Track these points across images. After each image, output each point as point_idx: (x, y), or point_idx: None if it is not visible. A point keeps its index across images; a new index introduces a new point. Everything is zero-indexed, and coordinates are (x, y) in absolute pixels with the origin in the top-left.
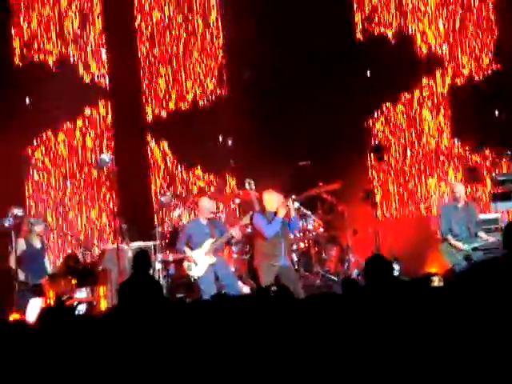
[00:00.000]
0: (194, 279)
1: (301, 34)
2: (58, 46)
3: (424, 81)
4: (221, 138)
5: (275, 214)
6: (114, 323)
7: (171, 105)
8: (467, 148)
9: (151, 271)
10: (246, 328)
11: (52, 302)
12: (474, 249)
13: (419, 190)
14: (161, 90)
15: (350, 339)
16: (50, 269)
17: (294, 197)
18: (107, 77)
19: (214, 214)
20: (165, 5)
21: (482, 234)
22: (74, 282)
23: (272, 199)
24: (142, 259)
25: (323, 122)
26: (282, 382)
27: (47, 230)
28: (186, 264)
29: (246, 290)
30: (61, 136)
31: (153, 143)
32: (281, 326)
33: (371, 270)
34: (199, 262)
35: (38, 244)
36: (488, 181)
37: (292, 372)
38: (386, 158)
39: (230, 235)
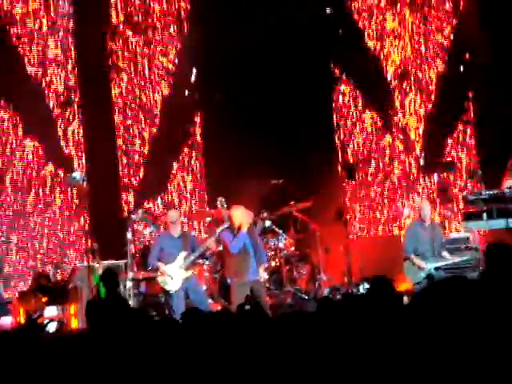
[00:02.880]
0: (166, 296)
1: (275, 51)
2: None
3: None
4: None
5: (238, 228)
6: (83, 342)
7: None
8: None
9: (122, 289)
10: (221, 346)
11: (22, 320)
12: (437, 268)
13: (390, 210)
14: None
15: (325, 358)
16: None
17: (265, 215)
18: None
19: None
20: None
21: (445, 253)
22: (44, 299)
23: (239, 215)
24: (109, 278)
25: (295, 140)
26: None
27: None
28: (160, 279)
29: (216, 308)
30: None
31: (124, 161)
32: (255, 345)
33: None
34: (174, 276)
35: None
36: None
37: None
38: (357, 177)
39: (206, 248)
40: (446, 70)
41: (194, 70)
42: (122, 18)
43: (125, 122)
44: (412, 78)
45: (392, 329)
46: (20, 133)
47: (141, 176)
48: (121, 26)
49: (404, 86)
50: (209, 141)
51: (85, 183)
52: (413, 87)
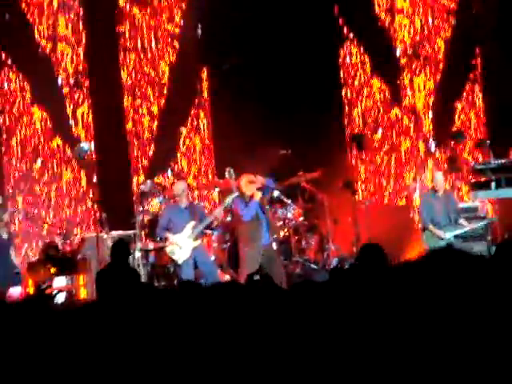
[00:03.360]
0: (175, 266)
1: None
2: None
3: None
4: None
5: (251, 197)
6: (93, 312)
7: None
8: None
9: (131, 260)
10: (231, 317)
11: (31, 291)
12: (455, 236)
13: (399, 179)
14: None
15: (338, 330)
16: (15, 261)
17: (271, 181)
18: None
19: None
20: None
21: (462, 221)
22: (53, 270)
23: (249, 182)
24: (120, 248)
25: (304, 110)
26: (269, 376)
27: (25, 217)
28: (168, 249)
29: (225, 278)
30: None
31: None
32: (266, 317)
33: (365, 257)
34: (183, 246)
35: (3, 234)
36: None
37: (279, 365)
38: (365, 146)
39: (214, 217)
40: (452, 34)
41: (200, 26)
42: None
43: (134, 104)
44: (421, 57)
45: (385, 297)
46: (28, 99)
47: (151, 153)
48: (127, 6)
49: (413, 67)
50: (216, 109)
51: (93, 154)
52: (421, 63)
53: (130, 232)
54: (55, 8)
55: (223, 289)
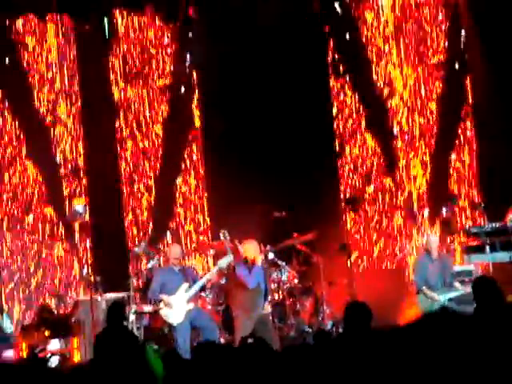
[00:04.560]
0: (169, 329)
1: (273, 87)
2: None
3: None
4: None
5: (253, 261)
6: (91, 376)
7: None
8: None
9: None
10: (225, 379)
11: (24, 354)
12: (450, 299)
13: (394, 242)
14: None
15: None
16: (7, 324)
17: (269, 247)
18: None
19: (182, 262)
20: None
21: (457, 284)
22: (47, 333)
23: (251, 248)
24: (116, 311)
25: (299, 173)
26: None
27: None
28: (163, 312)
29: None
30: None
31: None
32: (259, 379)
33: (350, 317)
34: (177, 309)
35: None
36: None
37: None
38: (360, 209)
39: (207, 280)
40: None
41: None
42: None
43: (133, 189)
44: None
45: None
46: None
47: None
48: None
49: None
50: (209, 172)
51: (87, 216)
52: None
53: (124, 294)
54: (56, 86)
55: (219, 351)
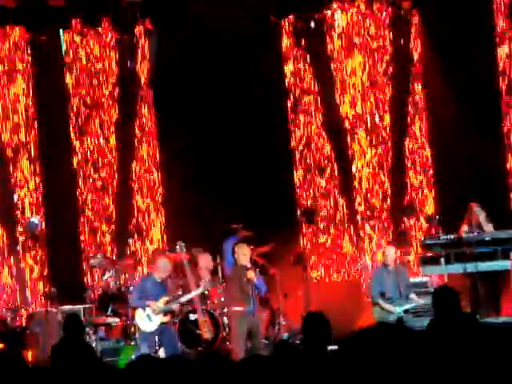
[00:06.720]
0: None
1: (231, 98)
2: None
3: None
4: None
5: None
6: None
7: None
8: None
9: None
10: None
11: None
12: (406, 311)
13: (350, 253)
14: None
15: None
16: None
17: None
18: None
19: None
20: None
21: (413, 296)
22: (1, 346)
23: (243, 251)
24: (73, 322)
25: (256, 186)
26: None
27: None
28: (137, 316)
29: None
30: None
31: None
32: None
33: (308, 326)
34: (153, 318)
35: None
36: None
37: None
38: (315, 221)
39: (188, 299)
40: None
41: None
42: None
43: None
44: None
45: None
46: None
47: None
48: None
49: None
50: (167, 186)
51: (42, 227)
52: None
53: (80, 306)
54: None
55: (178, 363)
